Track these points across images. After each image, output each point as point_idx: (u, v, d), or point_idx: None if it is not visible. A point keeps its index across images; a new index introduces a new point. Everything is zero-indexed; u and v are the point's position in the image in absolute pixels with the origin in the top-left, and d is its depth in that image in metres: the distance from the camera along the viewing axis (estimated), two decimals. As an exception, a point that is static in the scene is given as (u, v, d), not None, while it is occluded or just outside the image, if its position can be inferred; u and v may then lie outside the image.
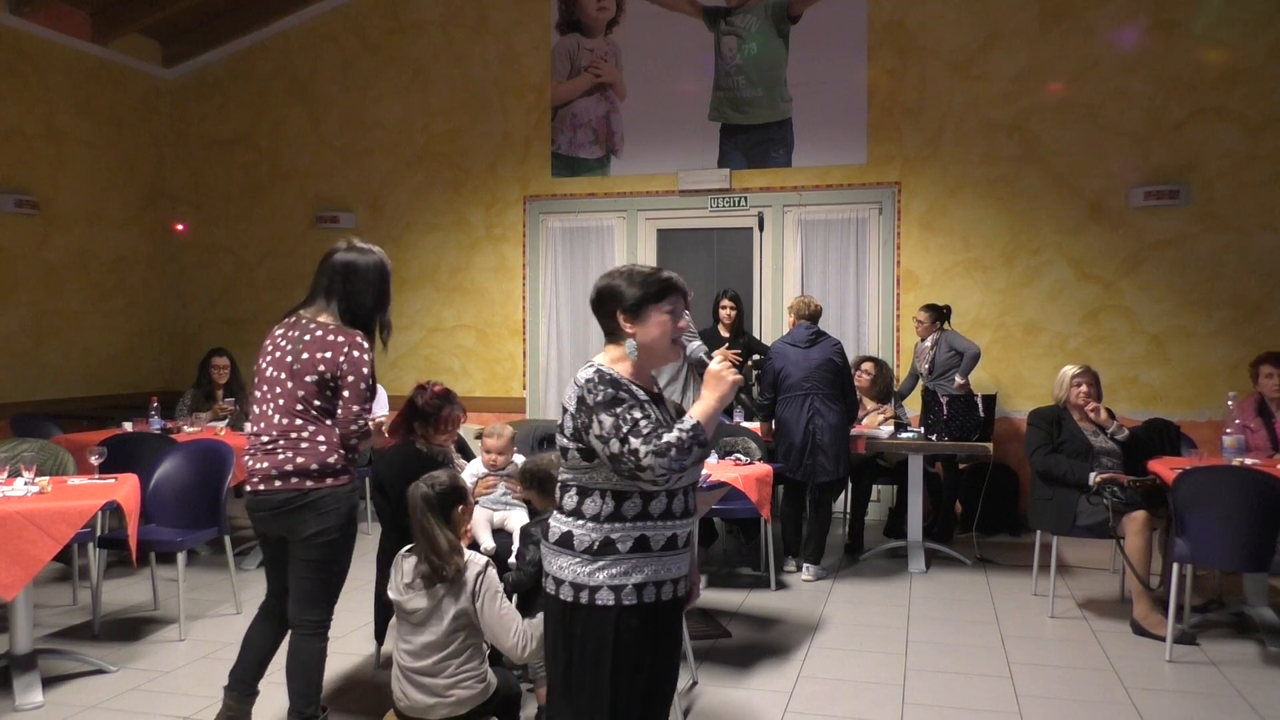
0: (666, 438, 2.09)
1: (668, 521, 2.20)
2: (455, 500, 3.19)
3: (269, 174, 8.48)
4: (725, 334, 6.53)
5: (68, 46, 7.55)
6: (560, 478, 2.28)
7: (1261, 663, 4.15)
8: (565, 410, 2.22)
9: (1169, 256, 6.65)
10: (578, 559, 2.18)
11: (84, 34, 7.62)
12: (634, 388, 2.22)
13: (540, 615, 3.35)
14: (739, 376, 2.23)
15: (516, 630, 3.11)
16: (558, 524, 2.24)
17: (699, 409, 2.18)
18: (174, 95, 8.65)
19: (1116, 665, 4.11)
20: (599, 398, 2.14)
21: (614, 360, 2.27)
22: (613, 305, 2.27)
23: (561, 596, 2.21)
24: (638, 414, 2.13)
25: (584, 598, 2.17)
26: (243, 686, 3.22)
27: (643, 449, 2.07)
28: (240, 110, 8.54)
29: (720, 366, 2.23)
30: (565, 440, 2.22)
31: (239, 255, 8.57)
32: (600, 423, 2.12)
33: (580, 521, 2.20)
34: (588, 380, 2.18)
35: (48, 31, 7.35)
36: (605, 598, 2.16)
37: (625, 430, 2.10)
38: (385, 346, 3.27)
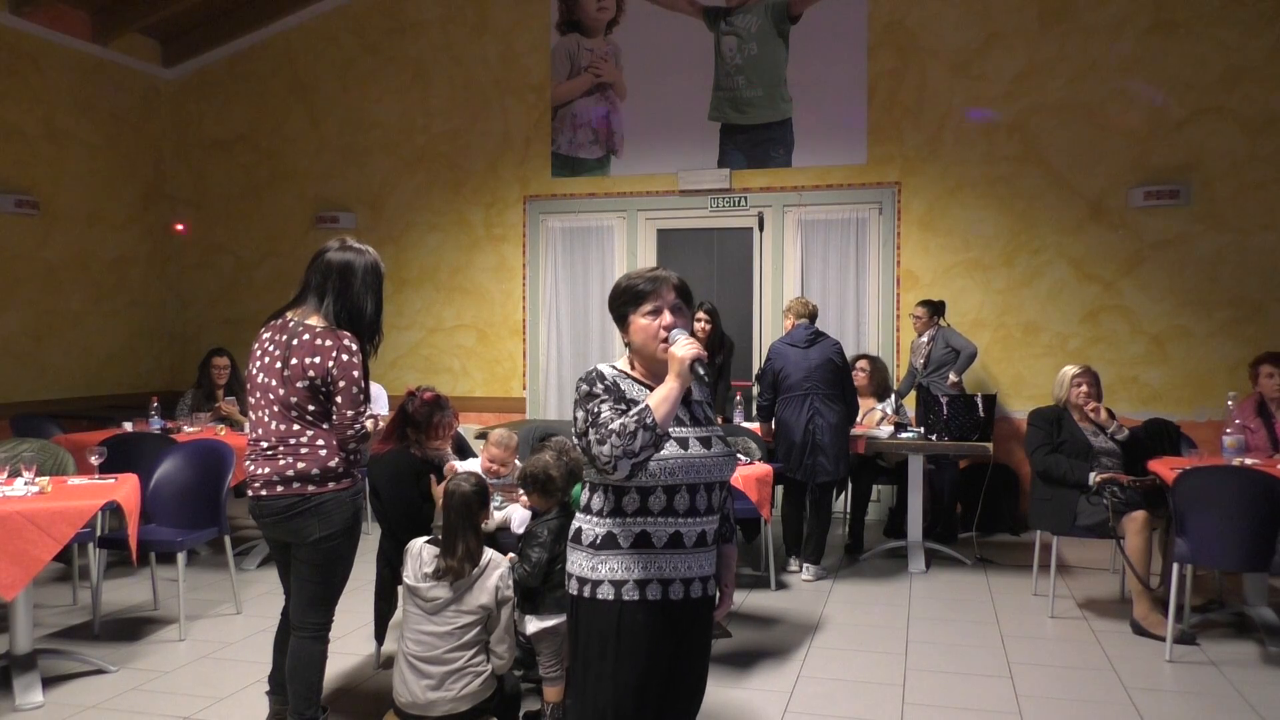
0: (613, 424, 2.08)
1: (669, 519, 2.19)
2: (485, 502, 3.34)
3: (269, 174, 8.48)
4: None
5: (68, 46, 7.54)
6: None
7: (1261, 663, 4.15)
8: None
9: (1169, 256, 6.65)
10: (584, 553, 2.22)
11: (84, 34, 7.62)
12: (622, 383, 2.23)
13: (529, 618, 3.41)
14: (691, 353, 2.13)
15: (510, 645, 3.24)
16: (576, 520, 2.29)
17: (655, 393, 2.15)
18: (174, 95, 8.66)
19: (1116, 665, 4.11)
20: (578, 395, 2.22)
21: (629, 360, 2.34)
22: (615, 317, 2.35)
23: (570, 590, 2.25)
24: (604, 407, 2.14)
25: (587, 591, 2.20)
26: (283, 690, 3.21)
27: (593, 437, 2.11)
28: (240, 110, 8.53)
29: (678, 345, 2.16)
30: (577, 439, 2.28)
31: (239, 255, 8.57)
32: (576, 419, 2.19)
33: (588, 516, 2.25)
34: (577, 380, 2.25)
35: (48, 31, 7.35)
36: (606, 592, 2.18)
37: (588, 423, 2.14)
38: (376, 353, 3.21)
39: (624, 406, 2.16)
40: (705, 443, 2.23)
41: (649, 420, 2.08)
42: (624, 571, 2.17)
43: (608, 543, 2.19)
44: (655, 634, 2.18)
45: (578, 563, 2.23)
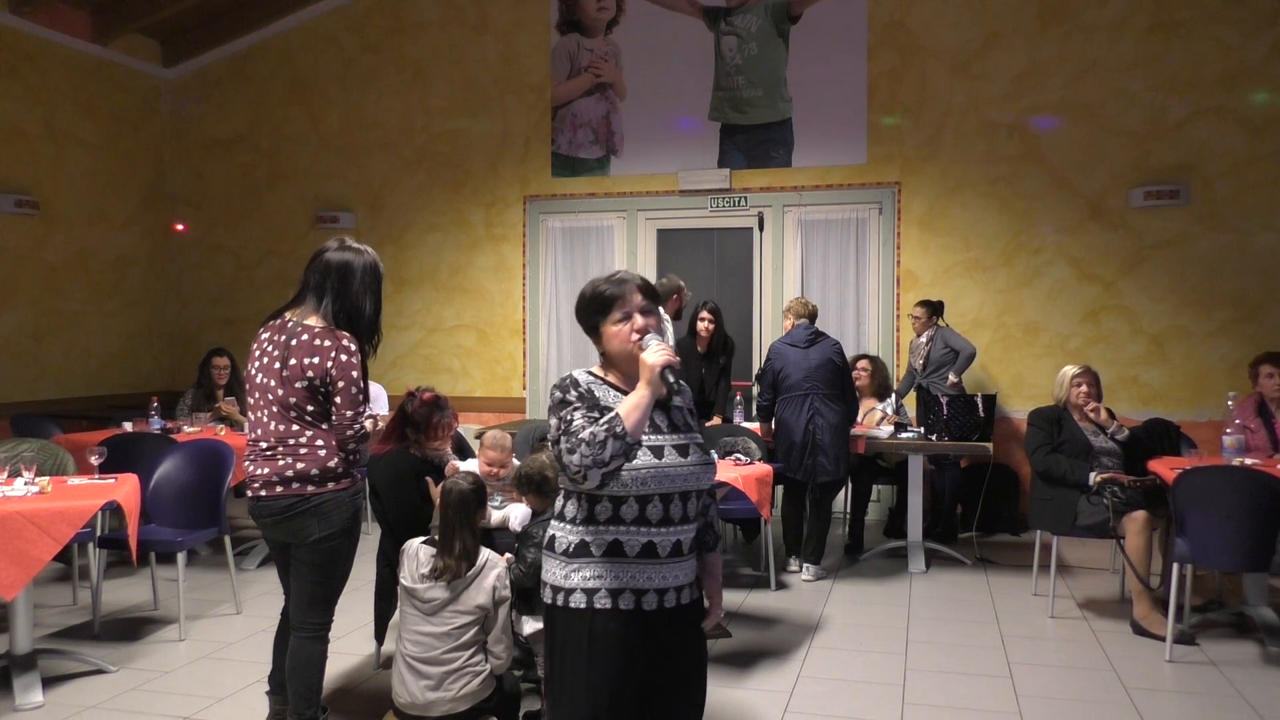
0: (583, 433, 2.06)
1: (642, 528, 2.15)
2: (482, 501, 3.33)
3: (269, 174, 8.48)
4: (702, 349, 6.08)
5: (68, 46, 7.54)
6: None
7: (1261, 663, 4.15)
8: None
9: (1169, 256, 6.65)
10: (557, 561, 2.20)
11: (84, 34, 7.62)
12: (597, 390, 2.21)
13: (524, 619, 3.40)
14: (662, 359, 2.11)
15: (507, 645, 3.23)
16: (550, 527, 2.27)
17: (625, 400, 2.13)
18: (174, 95, 8.66)
19: (1116, 665, 4.11)
20: (551, 402, 2.21)
21: (605, 367, 2.31)
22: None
23: (544, 598, 2.23)
24: (577, 415, 2.12)
25: (560, 599, 2.18)
26: (283, 690, 3.22)
27: (564, 445, 2.09)
28: (240, 110, 8.53)
29: (648, 351, 2.14)
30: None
31: (239, 255, 8.57)
32: (550, 427, 2.17)
33: (562, 524, 2.22)
34: (552, 387, 2.24)
35: (48, 31, 7.35)
36: (578, 600, 2.15)
37: (560, 431, 2.12)
38: (375, 353, 3.22)
39: (597, 414, 2.13)
40: (682, 451, 2.18)
41: (619, 429, 2.05)
42: (595, 580, 2.14)
43: (580, 551, 2.16)
44: (629, 643, 2.14)
45: (551, 570, 2.21)
